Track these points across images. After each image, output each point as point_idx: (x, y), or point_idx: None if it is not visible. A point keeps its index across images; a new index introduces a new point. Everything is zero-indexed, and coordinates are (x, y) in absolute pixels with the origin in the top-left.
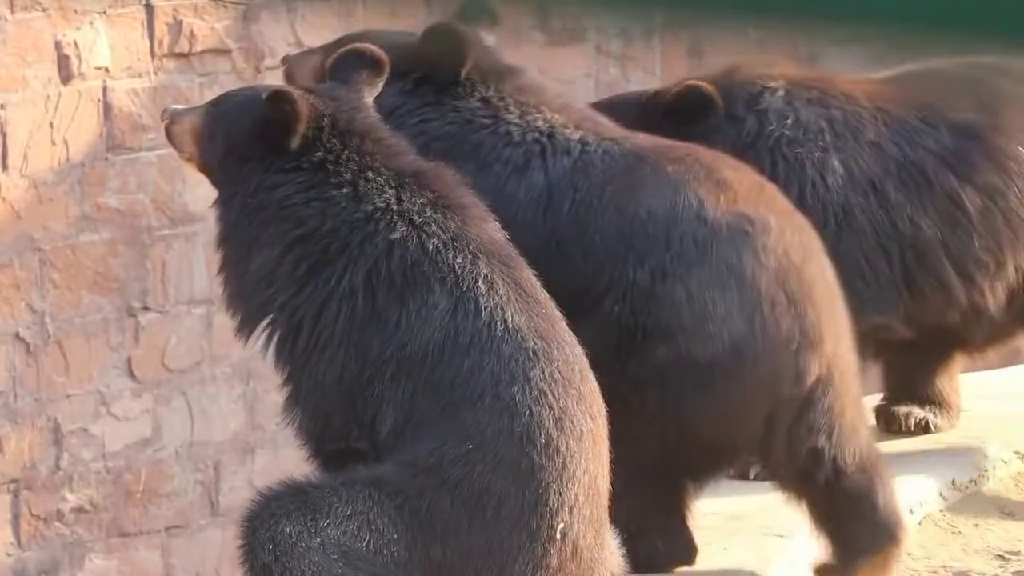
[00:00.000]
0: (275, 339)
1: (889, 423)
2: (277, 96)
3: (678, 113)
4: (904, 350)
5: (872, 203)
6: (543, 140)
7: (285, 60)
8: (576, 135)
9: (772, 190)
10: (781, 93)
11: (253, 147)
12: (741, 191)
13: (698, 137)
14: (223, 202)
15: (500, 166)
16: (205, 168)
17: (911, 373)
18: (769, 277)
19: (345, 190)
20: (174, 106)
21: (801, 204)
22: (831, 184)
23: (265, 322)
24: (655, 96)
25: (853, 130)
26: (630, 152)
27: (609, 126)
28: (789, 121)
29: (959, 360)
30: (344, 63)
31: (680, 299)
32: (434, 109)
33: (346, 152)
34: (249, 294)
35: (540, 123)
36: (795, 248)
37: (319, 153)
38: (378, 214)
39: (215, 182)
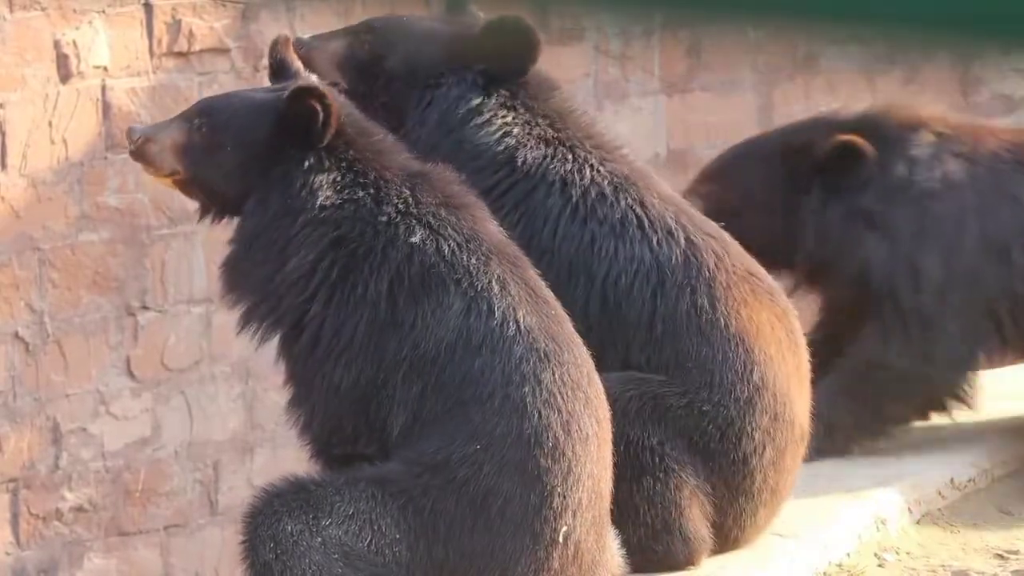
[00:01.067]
0: (293, 343)
1: None
2: (303, 92)
3: (831, 169)
4: None
5: (1001, 269)
6: (637, 209)
7: (300, 44)
8: (670, 213)
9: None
10: (930, 143)
11: (276, 148)
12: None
13: (852, 190)
14: (256, 204)
15: (595, 224)
16: (194, 183)
17: None
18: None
19: (371, 191)
20: (139, 126)
21: (944, 267)
22: (967, 247)
23: (288, 326)
24: (800, 151)
25: (994, 187)
26: (738, 270)
27: (682, 203)
28: (936, 174)
29: None
30: (283, 55)
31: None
32: (516, 115)
33: (367, 152)
34: (279, 294)
35: (631, 188)
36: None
37: (351, 152)
38: (398, 217)
39: (209, 195)
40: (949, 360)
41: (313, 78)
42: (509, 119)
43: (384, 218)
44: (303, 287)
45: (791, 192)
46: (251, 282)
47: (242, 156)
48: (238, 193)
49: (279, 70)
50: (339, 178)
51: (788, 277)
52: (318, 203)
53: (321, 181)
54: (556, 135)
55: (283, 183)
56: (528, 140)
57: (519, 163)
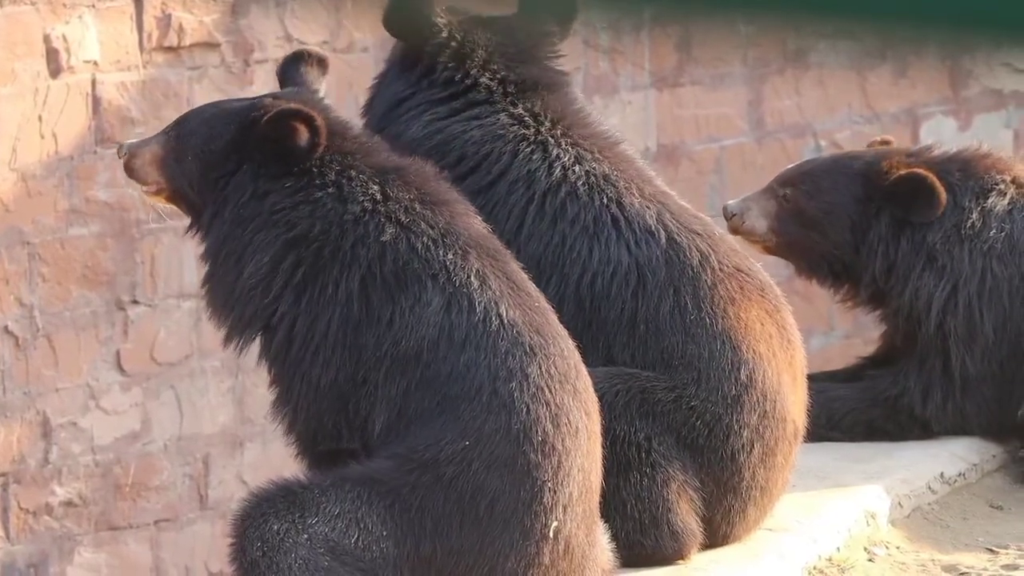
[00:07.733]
0: (269, 345)
1: None
2: (287, 115)
3: (900, 197)
4: None
5: None
6: (614, 209)
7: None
8: (651, 213)
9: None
10: (1007, 198)
11: (232, 159)
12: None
13: (923, 224)
14: (212, 216)
15: (566, 224)
16: (176, 195)
17: None
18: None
19: (330, 190)
20: (128, 141)
21: (999, 330)
22: (1017, 316)
23: (260, 329)
24: (882, 175)
25: None
26: (726, 267)
27: (671, 201)
28: (1003, 235)
29: None
30: (293, 65)
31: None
32: (463, 112)
33: (328, 154)
34: (244, 301)
35: (608, 188)
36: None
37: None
38: (366, 216)
39: (189, 207)
40: (980, 424)
41: (321, 90)
42: (441, 111)
43: (351, 216)
44: (265, 289)
45: (866, 214)
46: (221, 297)
47: (202, 165)
48: (205, 204)
49: (286, 75)
50: (292, 182)
51: (853, 295)
52: (266, 207)
53: (271, 187)
54: (522, 132)
55: (236, 194)
56: (487, 136)
57: (460, 157)
